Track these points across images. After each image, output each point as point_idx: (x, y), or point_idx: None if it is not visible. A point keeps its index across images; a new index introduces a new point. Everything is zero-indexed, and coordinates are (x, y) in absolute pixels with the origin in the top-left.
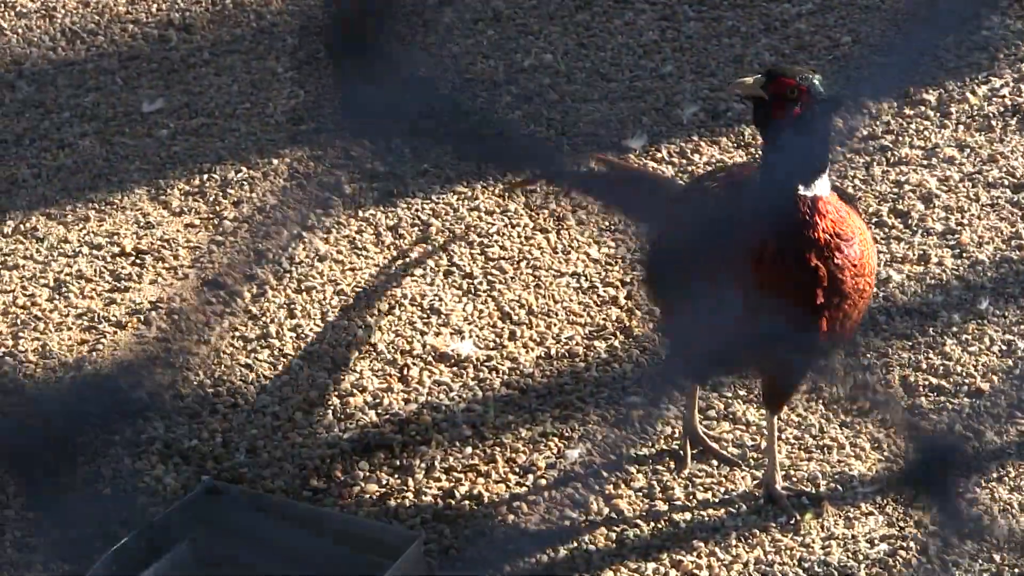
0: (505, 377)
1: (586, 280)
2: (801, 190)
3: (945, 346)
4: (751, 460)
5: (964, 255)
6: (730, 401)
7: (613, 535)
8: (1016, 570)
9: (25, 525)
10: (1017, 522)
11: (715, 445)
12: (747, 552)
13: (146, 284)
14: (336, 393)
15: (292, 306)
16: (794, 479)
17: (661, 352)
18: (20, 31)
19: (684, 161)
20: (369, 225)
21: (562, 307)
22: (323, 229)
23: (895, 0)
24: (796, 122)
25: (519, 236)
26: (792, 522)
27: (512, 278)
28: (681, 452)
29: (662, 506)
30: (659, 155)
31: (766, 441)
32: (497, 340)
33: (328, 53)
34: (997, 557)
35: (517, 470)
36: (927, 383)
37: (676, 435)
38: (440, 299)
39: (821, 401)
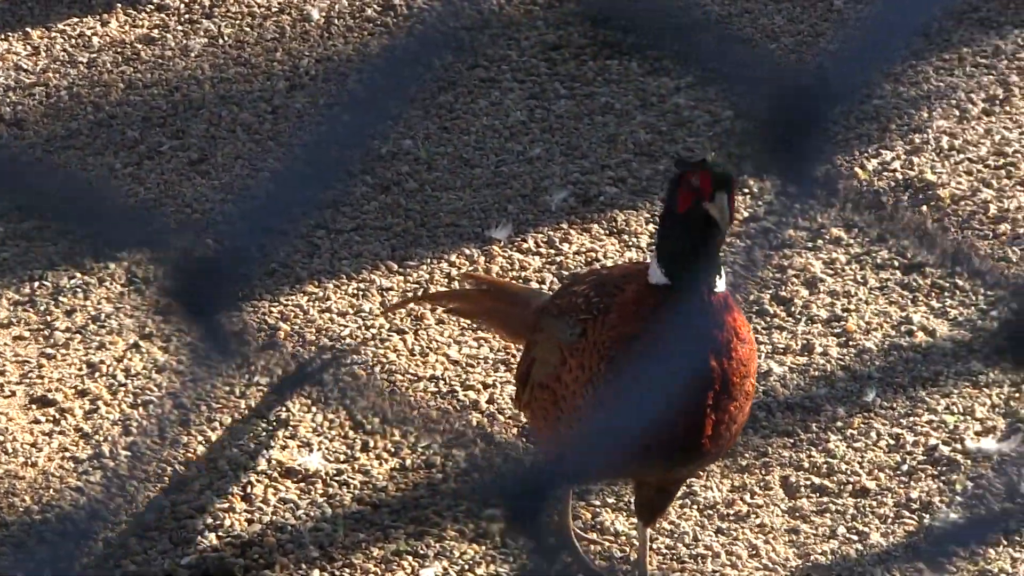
0: (356, 492)
1: (445, 384)
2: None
3: (829, 442)
4: (619, 574)
5: (850, 343)
6: (598, 510)
7: None
8: None
9: None
10: None
11: (584, 557)
12: None
13: None
14: (173, 515)
15: (127, 422)
16: None
17: (524, 460)
18: None
19: (552, 251)
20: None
21: (419, 414)
22: (162, 337)
23: (782, 71)
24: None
25: (373, 338)
26: None
27: (365, 384)
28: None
29: None
30: (525, 246)
31: (636, 553)
32: (348, 452)
33: None
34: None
35: None
36: (809, 483)
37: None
38: (287, 409)
39: (695, 507)
